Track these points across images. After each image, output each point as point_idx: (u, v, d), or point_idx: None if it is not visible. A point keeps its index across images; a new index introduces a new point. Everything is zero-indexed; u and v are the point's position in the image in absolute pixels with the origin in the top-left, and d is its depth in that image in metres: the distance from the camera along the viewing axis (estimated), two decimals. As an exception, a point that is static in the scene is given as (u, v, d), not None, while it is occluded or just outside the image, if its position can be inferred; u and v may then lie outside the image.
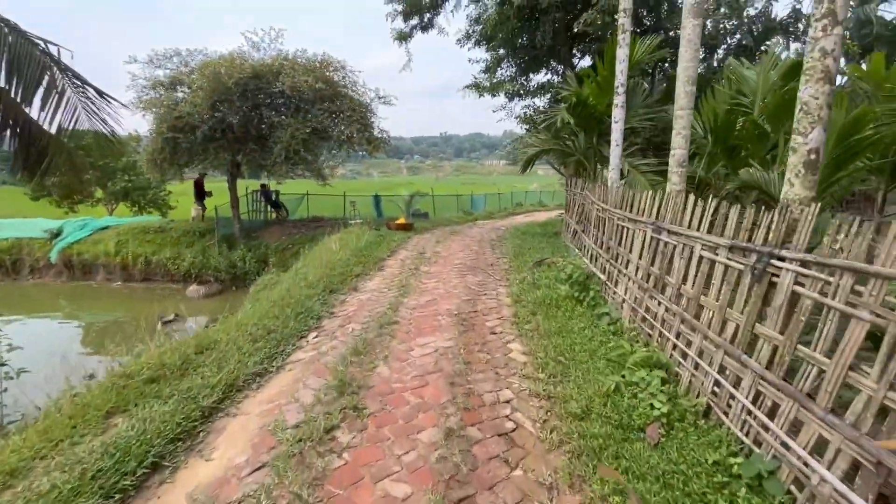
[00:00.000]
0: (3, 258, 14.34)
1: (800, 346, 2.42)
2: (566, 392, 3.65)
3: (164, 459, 2.83)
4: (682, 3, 11.00)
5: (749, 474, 2.47)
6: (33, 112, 5.94)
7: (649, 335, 4.36)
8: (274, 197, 17.53)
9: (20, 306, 12.18)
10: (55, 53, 6.12)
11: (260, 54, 13.58)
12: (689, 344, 3.57)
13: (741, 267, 2.99)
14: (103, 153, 14.88)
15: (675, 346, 3.80)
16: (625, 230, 5.47)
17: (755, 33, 10.48)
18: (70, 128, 6.39)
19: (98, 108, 6.66)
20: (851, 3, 18.87)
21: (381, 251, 9.71)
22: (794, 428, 2.41)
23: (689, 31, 4.68)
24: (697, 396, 3.32)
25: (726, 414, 2.97)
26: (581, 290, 5.95)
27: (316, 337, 5.00)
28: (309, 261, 9.66)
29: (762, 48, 10.75)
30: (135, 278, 14.02)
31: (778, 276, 2.65)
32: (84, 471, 2.56)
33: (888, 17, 14.36)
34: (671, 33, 10.84)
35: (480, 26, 13.53)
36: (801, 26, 10.64)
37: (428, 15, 14.53)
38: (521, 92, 14.45)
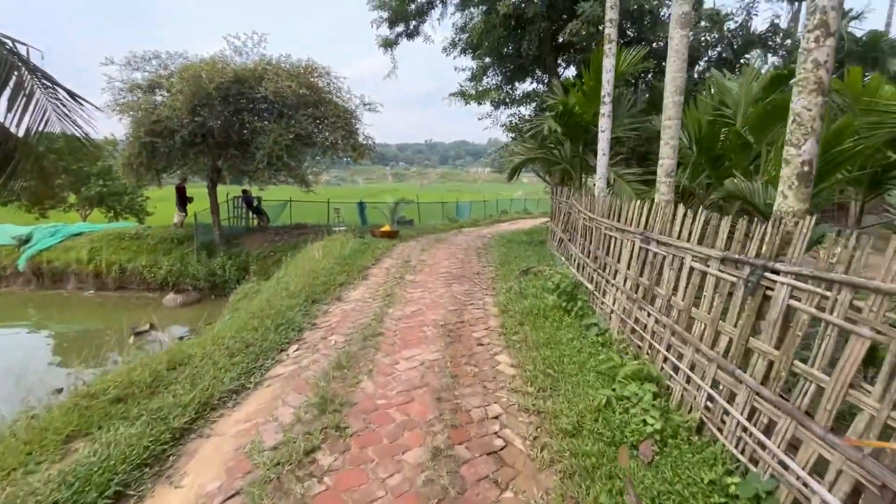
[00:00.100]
0: (-33, 266, 13.70)
1: (797, 362, 2.37)
2: (556, 407, 3.55)
3: (129, 488, 2.62)
4: (664, 15, 11.22)
5: (746, 495, 2.39)
6: (-1, 114, 5.63)
7: (639, 347, 4.30)
8: (256, 203, 17.20)
9: (-16, 316, 11.61)
10: (24, 53, 5.86)
11: (242, 59, 13.37)
12: (680, 357, 3.51)
13: (734, 279, 2.94)
14: (76, 157, 14.41)
15: (665, 359, 3.73)
16: (612, 240, 5.43)
17: (735, 46, 10.72)
18: (39, 130, 6.11)
19: (70, 111, 6.40)
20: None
21: (366, 259, 9.53)
22: (793, 446, 2.35)
23: (676, 41, 4.70)
24: (690, 411, 3.25)
25: (720, 430, 2.89)
26: (569, 300, 5.89)
27: (297, 350, 4.81)
28: (291, 269, 9.42)
29: (742, 61, 10.99)
30: (108, 287, 13.53)
31: (772, 289, 2.59)
32: (38, 503, 2.34)
33: (858, 33, 14.85)
34: (654, 45, 11.01)
35: (466, 35, 13.56)
36: (778, 40, 10.91)
37: (414, 23, 14.50)
38: (507, 100, 14.49)
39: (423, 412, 3.51)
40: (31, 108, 5.91)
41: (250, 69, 12.76)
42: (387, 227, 13.86)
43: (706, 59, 11.26)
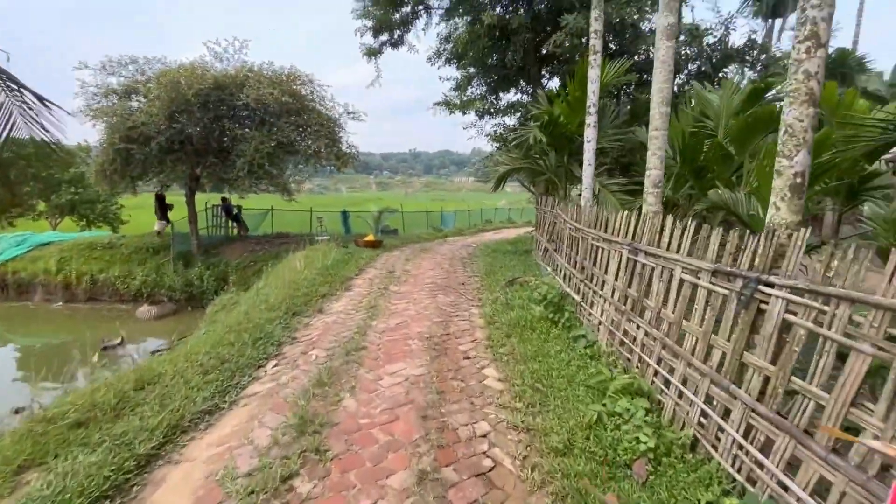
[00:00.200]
0: (-75, 277, 12.99)
1: (794, 378, 2.30)
2: (546, 424, 3.43)
3: (87, 524, 2.40)
4: (646, 29, 11.42)
5: (746, 517, 2.30)
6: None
7: (628, 360, 4.22)
8: (235, 211, 16.82)
9: (-58, 330, 10.98)
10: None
11: (223, 65, 13.12)
12: (671, 371, 3.44)
13: (725, 292, 2.89)
14: (46, 164, 13.87)
15: (656, 373, 3.66)
16: (599, 250, 5.38)
17: (714, 61, 10.97)
18: (4, 136, 5.81)
19: (37, 115, 6.12)
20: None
21: (349, 270, 9.33)
22: (792, 466, 2.27)
23: (662, 52, 4.71)
24: (683, 427, 3.17)
25: (715, 448, 2.81)
26: (556, 312, 5.81)
27: (275, 366, 4.60)
28: (271, 280, 9.16)
29: (720, 75, 11.24)
30: (78, 298, 12.98)
31: (766, 302, 2.54)
32: (-20, 545, 2.11)
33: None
34: (636, 57, 11.18)
35: (451, 45, 13.57)
36: (755, 55, 11.21)
37: (398, 32, 14.47)
38: (492, 110, 14.53)
39: (409, 431, 3.36)
40: (-6, 112, 5.63)
41: (231, 76, 12.52)
42: (371, 237, 13.68)
43: (686, 72, 11.49)
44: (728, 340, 2.82)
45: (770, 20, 21.91)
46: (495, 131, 14.59)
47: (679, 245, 3.53)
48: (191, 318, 11.13)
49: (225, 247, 14.89)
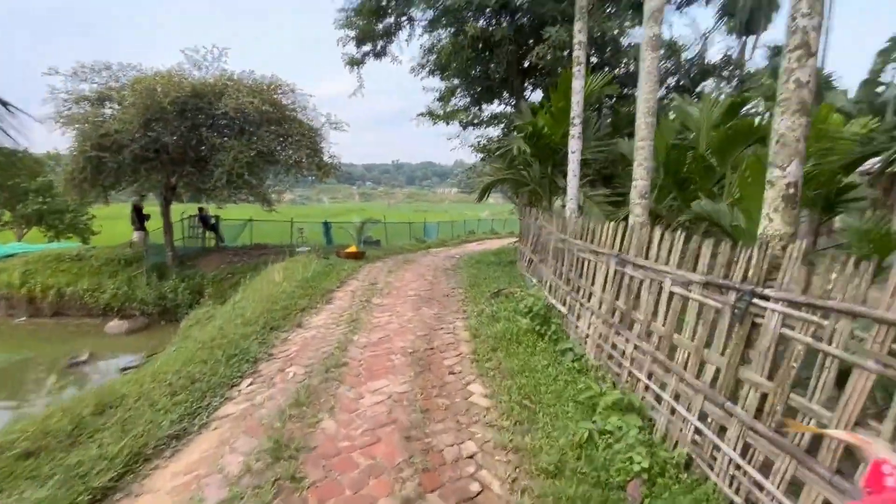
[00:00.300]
0: None
1: (793, 395, 2.22)
2: (535, 443, 3.30)
3: (29, 570, 2.14)
4: (626, 44, 11.63)
5: (747, 543, 2.19)
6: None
7: (617, 374, 4.13)
8: (213, 221, 16.37)
9: None
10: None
11: (202, 73, 12.82)
12: (663, 386, 3.34)
13: (718, 305, 2.81)
14: (11, 172, 13.28)
15: (647, 388, 3.56)
16: (586, 262, 5.31)
17: (692, 75, 11.23)
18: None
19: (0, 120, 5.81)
20: (767, 52, 21.02)
21: (330, 282, 9.08)
22: (794, 487, 2.17)
23: (647, 62, 4.72)
24: (676, 446, 3.06)
25: (711, 467, 2.71)
26: (542, 324, 5.70)
27: (250, 385, 4.35)
28: (248, 293, 8.86)
29: (698, 89, 11.50)
30: (43, 313, 12.34)
31: (762, 316, 2.47)
32: None
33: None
34: (616, 70, 11.35)
35: (434, 56, 13.58)
36: (731, 69, 11.52)
37: (381, 43, 14.41)
38: (475, 121, 14.56)
39: (391, 454, 3.17)
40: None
41: (210, 84, 12.23)
42: (353, 248, 13.44)
43: (665, 86, 11.72)
44: (722, 355, 2.74)
45: (743, 37, 22.72)
46: (479, 142, 14.61)
47: (668, 256, 3.47)
48: (164, 332, 10.68)
49: (201, 258, 14.43)
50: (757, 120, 7.54)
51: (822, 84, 17.46)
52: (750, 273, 2.56)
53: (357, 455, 3.15)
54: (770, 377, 2.37)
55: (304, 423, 3.53)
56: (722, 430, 2.68)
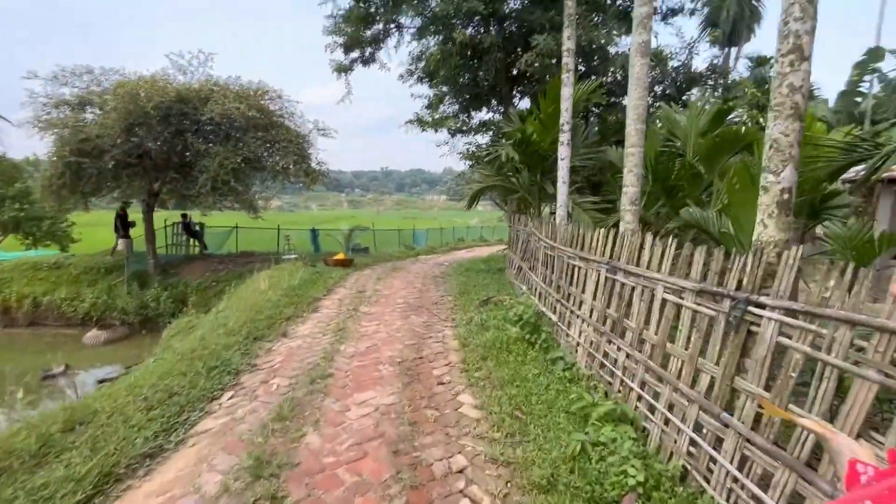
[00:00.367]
0: None
1: (792, 406, 2.16)
2: (527, 456, 3.20)
3: None
4: (612, 54, 11.75)
5: (747, 561, 2.11)
6: None
7: (609, 383, 4.06)
8: (196, 228, 16.07)
9: None
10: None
11: (187, 78, 12.63)
12: (656, 396, 3.27)
13: (712, 313, 2.76)
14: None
15: (640, 398, 3.49)
16: (576, 269, 5.26)
17: (678, 84, 11.37)
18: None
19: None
20: (749, 63, 21.47)
21: (317, 290, 8.92)
22: (794, 502, 2.11)
23: (637, 69, 4.72)
24: (671, 457, 2.99)
25: (707, 480, 2.64)
26: (532, 332, 5.62)
27: (231, 398, 4.19)
28: (233, 302, 8.65)
29: (684, 97, 11.65)
30: (18, 323, 11.93)
31: (757, 324, 2.41)
32: None
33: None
34: (604, 78, 11.45)
35: (423, 63, 13.58)
36: (716, 78, 11.69)
37: (369, 49, 14.38)
38: (464, 128, 14.56)
39: (378, 470, 3.05)
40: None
41: (195, 89, 12.04)
42: (341, 256, 13.28)
43: (652, 94, 11.85)
44: (717, 364, 2.68)
45: (726, 48, 23.22)
46: (468, 149, 14.61)
47: (660, 263, 3.42)
48: (145, 343, 10.36)
49: (185, 266, 14.12)
50: (744, 129, 7.61)
51: (804, 93, 17.91)
52: (744, 280, 2.52)
53: (342, 471, 3.02)
54: (767, 387, 2.32)
55: (287, 438, 3.39)
56: (718, 442, 2.62)
